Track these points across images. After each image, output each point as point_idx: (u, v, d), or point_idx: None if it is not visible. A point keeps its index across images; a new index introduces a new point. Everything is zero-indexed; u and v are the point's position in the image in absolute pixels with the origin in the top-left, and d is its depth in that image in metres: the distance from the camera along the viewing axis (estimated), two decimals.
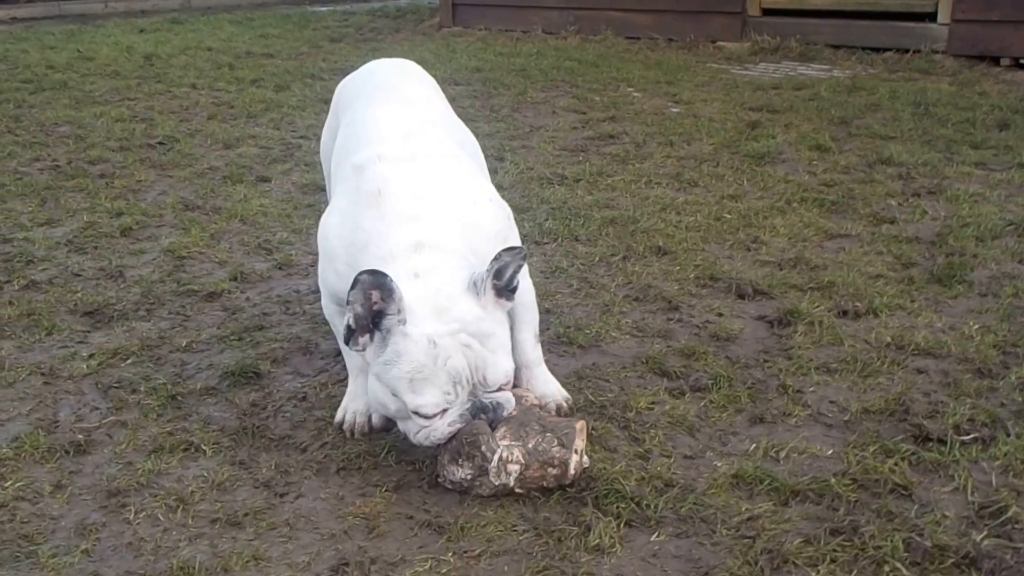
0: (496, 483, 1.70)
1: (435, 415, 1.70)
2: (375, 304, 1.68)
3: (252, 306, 2.67)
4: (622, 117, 4.93)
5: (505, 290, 1.77)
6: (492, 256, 1.82)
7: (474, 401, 1.72)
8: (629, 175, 3.86)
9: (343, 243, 1.84)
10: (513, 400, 1.78)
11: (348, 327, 1.72)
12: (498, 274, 1.74)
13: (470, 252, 1.79)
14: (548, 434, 1.73)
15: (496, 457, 1.69)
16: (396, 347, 1.68)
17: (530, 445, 1.71)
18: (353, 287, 1.65)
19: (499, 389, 1.75)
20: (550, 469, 1.71)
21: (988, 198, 3.43)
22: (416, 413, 1.70)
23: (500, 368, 1.72)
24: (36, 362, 2.32)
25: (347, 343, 1.74)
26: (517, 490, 1.71)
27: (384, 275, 1.65)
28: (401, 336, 1.68)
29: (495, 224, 1.90)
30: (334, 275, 1.87)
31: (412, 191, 1.83)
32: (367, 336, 1.72)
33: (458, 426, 1.71)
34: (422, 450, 1.86)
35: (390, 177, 1.85)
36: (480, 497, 1.73)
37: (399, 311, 1.67)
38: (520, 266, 1.76)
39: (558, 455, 1.71)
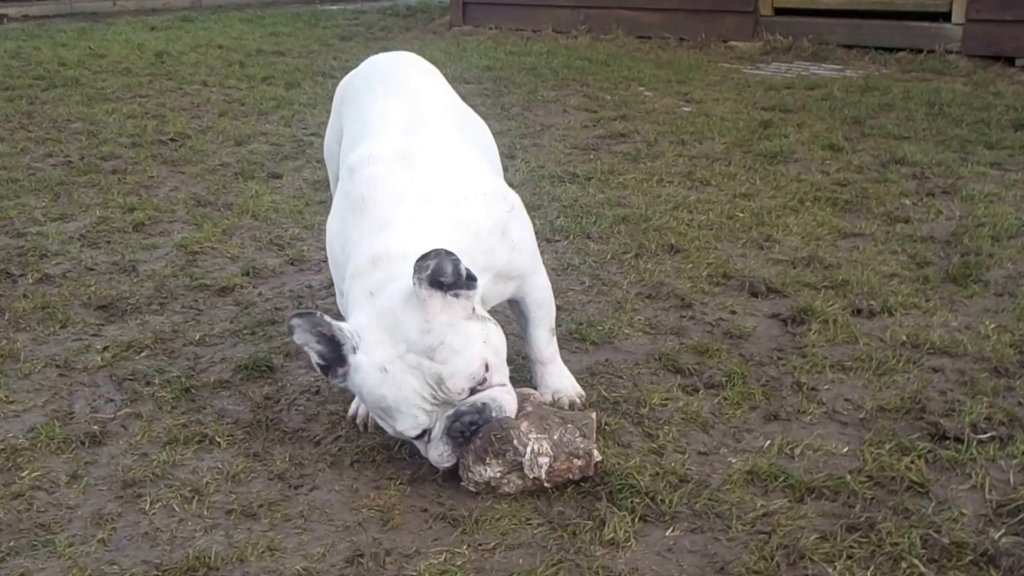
0: (531, 476, 1.68)
1: (421, 436, 1.69)
2: (329, 335, 1.64)
3: (264, 301, 2.67)
4: (633, 116, 4.92)
5: (458, 285, 1.63)
6: (491, 251, 1.78)
7: (454, 411, 1.66)
8: (641, 173, 3.85)
9: (341, 248, 1.81)
10: (500, 393, 1.70)
11: (319, 365, 1.68)
12: (436, 274, 1.60)
13: (458, 252, 1.64)
14: (569, 425, 1.73)
15: (528, 450, 1.67)
16: (354, 379, 1.66)
17: (555, 437, 1.70)
18: (292, 333, 1.63)
19: (476, 389, 1.67)
20: (576, 460, 1.70)
21: (1003, 198, 3.41)
22: (402, 436, 1.70)
23: (458, 376, 1.63)
24: (51, 354, 2.33)
25: (327, 377, 1.69)
26: (545, 484, 1.70)
27: (313, 314, 1.62)
28: (355, 369, 1.64)
29: (488, 219, 1.81)
30: (340, 280, 1.83)
31: (395, 196, 1.76)
32: (344, 367, 1.66)
33: (443, 448, 1.68)
34: None
35: (375, 180, 1.79)
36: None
37: (345, 342, 1.63)
38: (453, 258, 1.59)
39: (582, 445, 1.71)
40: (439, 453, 1.70)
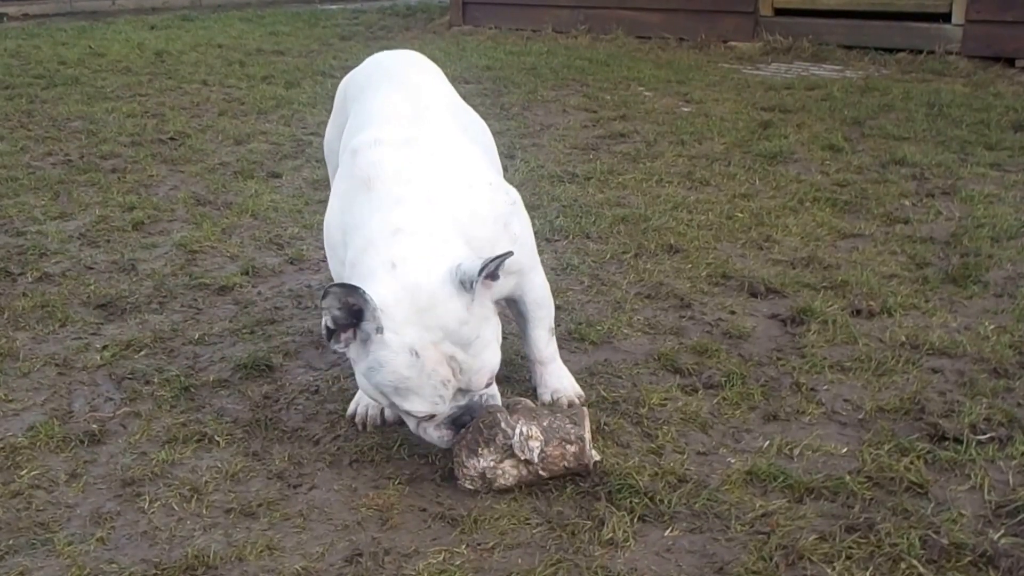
0: (523, 458, 1.69)
1: (426, 416, 1.70)
2: (354, 305, 1.60)
3: (264, 300, 2.67)
4: (633, 116, 4.92)
5: (492, 276, 1.66)
6: (494, 242, 1.77)
7: (466, 402, 1.70)
8: (640, 173, 3.85)
9: (340, 230, 1.80)
10: (498, 393, 1.77)
11: (327, 328, 1.64)
12: (483, 268, 1.62)
13: (461, 237, 1.71)
14: (559, 414, 1.76)
15: (517, 431, 1.69)
16: (377, 355, 1.61)
17: (544, 424, 1.72)
18: (325, 297, 1.58)
19: (490, 381, 1.72)
20: (568, 446, 1.71)
21: (1003, 199, 3.41)
22: (407, 413, 1.70)
23: (485, 371, 1.68)
24: (50, 353, 2.33)
25: (329, 341, 1.66)
26: (541, 472, 1.71)
27: (356, 289, 1.57)
28: (380, 345, 1.60)
29: (493, 209, 1.82)
30: (339, 265, 1.82)
31: (401, 176, 1.76)
32: (349, 332, 1.64)
33: (444, 431, 1.70)
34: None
35: (381, 162, 1.78)
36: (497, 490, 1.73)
37: (375, 319, 1.59)
38: (502, 259, 1.64)
39: (573, 431, 1.72)
40: (440, 435, 1.72)
